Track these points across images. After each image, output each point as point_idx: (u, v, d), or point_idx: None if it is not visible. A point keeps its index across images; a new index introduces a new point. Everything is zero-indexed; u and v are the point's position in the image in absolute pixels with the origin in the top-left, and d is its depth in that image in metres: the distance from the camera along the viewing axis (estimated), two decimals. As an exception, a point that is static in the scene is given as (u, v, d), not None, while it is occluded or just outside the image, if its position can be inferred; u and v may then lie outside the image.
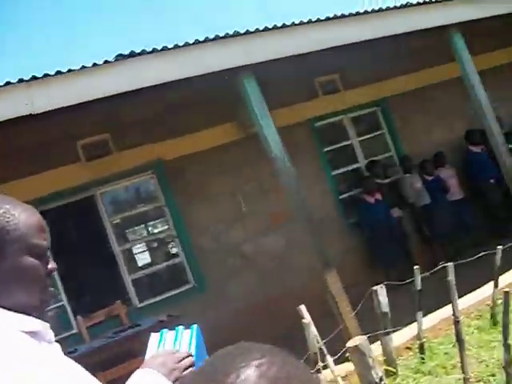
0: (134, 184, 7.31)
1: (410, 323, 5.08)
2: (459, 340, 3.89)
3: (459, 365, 4.08)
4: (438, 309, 5.46)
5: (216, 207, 7.22)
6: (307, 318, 4.32)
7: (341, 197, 8.16)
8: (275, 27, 5.60)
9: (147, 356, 1.45)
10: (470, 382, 3.94)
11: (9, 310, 1.28)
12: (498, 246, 5.09)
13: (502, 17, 7.11)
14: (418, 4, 6.46)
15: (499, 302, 5.06)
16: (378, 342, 4.69)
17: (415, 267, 4.86)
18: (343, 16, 5.95)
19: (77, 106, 4.73)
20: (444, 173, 8.39)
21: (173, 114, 7.03)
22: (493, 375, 4.11)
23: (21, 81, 4.53)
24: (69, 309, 6.50)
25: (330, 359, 4.23)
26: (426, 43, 6.97)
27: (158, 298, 6.91)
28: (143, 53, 4.78)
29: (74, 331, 6.32)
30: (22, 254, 1.31)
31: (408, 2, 6.41)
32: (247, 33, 5.48)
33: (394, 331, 4.75)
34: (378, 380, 3.45)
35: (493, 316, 5.14)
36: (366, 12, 6.08)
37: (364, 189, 7.95)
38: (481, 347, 4.58)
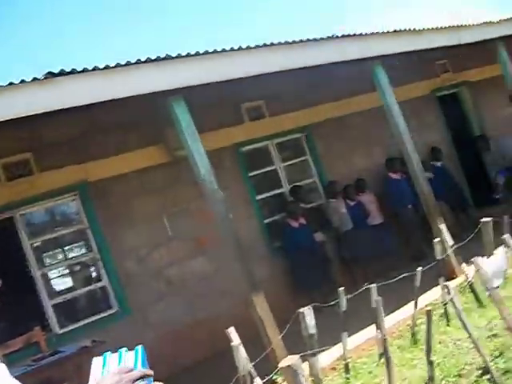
0: (56, 205, 7.09)
1: (335, 344, 5.18)
2: (387, 358, 4.00)
3: (383, 383, 4.21)
4: (361, 329, 5.61)
5: (141, 230, 7.13)
6: (236, 341, 4.32)
7: (266, 221, 8.26)
8: (204, 52, 5.65)
9: (91, 382, 1.41)
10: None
11: None
12: (418, 268, 5.30)
13: (421, 51, 7.55)
14: (343, 36, 6.73)
15: (419, 321, 5.27)
16: (306, 363, 4.75)
17: (340, 289, 4.98)
18: (267, 45, 6.08)
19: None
20: (365, 198, 8.70)
21: (99, 134, 6.92)
22: (415, 392, 4.26)
23: None
24: (-17, 336, 6.19)
25: (259, 381, 4.24)
26: (349, 73, 7.25)
27: (80, 324, 6.70)
28: (73, 72, 4.70)
29: (-12, 360, 6.00)
30: None
31: (334, 34, 6.66)
32: (177, 57, 5.50)
33: (320, 351, 4.82)
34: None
35: (413, 335, 5.33)
36: (288, 42, 6.24)
37: (288, 213, 8.09)
38: (403, 365, 4.73)
